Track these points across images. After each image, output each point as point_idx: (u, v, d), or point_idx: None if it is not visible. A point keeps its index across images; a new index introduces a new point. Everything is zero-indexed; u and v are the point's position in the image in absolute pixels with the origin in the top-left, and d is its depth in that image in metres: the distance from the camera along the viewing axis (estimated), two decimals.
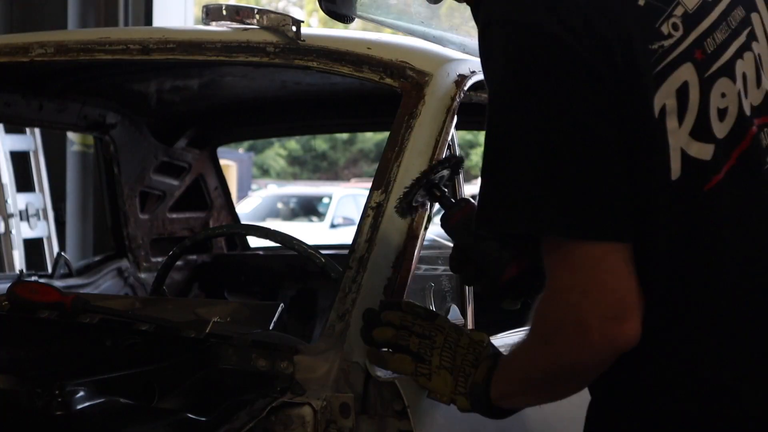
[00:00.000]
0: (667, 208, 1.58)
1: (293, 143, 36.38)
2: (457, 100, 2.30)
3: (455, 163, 2.11)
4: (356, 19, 2.24)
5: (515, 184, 1.57)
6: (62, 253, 3.72)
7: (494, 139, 1.61)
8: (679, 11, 1.63)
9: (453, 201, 2.06)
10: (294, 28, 2.38)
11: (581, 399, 2.52)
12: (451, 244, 2.38)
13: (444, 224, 2.03)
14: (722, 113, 1.62)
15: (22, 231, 6.94)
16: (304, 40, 2.38)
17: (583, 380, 1.69)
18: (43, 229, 7.12)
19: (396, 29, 2.31)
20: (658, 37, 1.60)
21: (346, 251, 2.26)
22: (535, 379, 1.72)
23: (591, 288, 1.54)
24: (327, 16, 2.20)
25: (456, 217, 2.01)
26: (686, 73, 1.60)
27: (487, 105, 1.62)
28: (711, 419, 1.61)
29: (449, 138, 2.26)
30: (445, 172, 2.09)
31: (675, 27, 1.62)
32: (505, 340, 2.11)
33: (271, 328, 2.24)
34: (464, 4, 1.80)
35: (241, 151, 28.50)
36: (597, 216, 1.54)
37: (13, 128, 6.91)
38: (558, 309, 1.57)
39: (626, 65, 1.56)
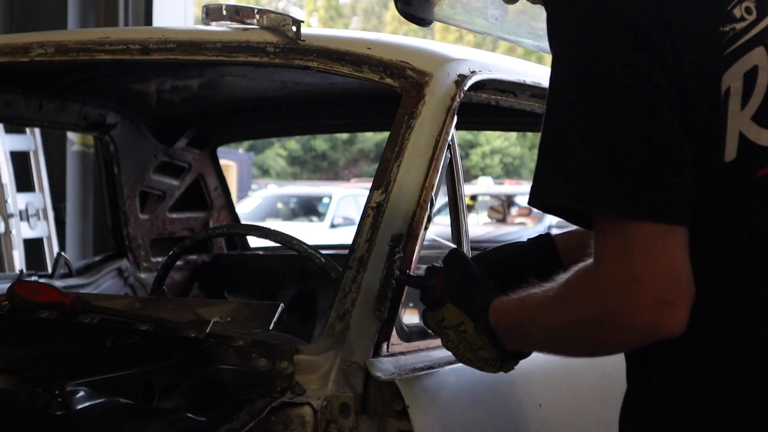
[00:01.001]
0: (716, 190, 1.56)
1: (293, 143, 36.41)
2: (457, 100, 2.30)
3: (399, 240, 2.11)
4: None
5: (576, 159, 1.54)
6: (62, 253, 3.72)
7: (555, 114, 1.59)
8: None
9: (421, 276, 2.02)
10: (294, 28, 2.38)
11: (586, 401, 2.53)
12: (452, 244, 2.39)
13: (428, 300, 1.98)
14: None
15: (22, 231, 6.94)
16: (304, 40, 2.38)
17: (610, 354, 1.69)
18: (43, 229, 7.12)
19: (472, 31, 2.30)
20: (730, 20, 1.60)
21: (346, 251, 2.27)
22: (559, 348, 1.74)
23: (644, 270, 1.51)
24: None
25: (439, 288, 1.96)
26: (757, 56, 1.59)
27: (549, 80, 1.61)
28: (758, 409, 1.58)
29: (449, 138, 2.27)
30: (400, 254, 2.10)
31: (748, 11, 1.61)
32: None
33: (271, 328, 2.24)
34: (539, 4, 1.80)
35: (241, 151, 28.52)
36: (656, 195, 1.52)
37: (13, 128, 6.91)
38: (607, 291, 1.53)
39: (691, 48, 1.55)
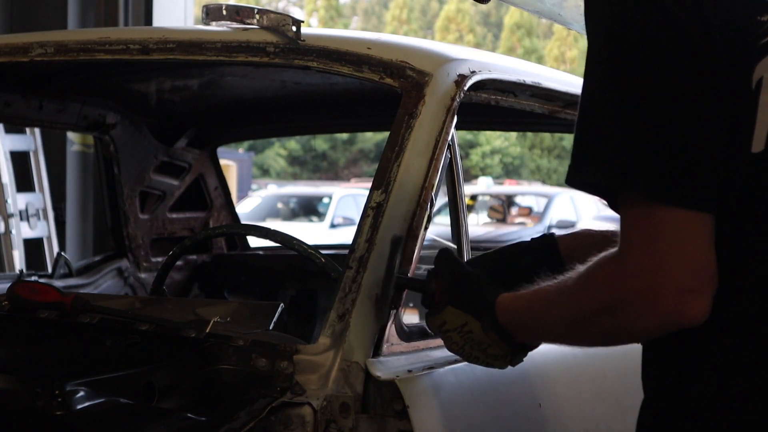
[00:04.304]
0: (741, 180, 1.55)
1: (293, 143, 36.44)
2: (457, 100, 2.30)
3: (399, 243, 2.11)
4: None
5: (609, 140, 1.54)
6: (62, 253, 3.72)
7: (590, 94, 1.58)
8: None
9: (421, 280, 2.01)
10: (294, 28, 2.39)
11: (586, 401, 2.53)
12: (452, 244, 2.39)
13: (429, 304, 1.97)
14: None
15: (22, 231, 6.94)
16: (304, 40, 2.38)
17: (627, 343, 1.67)
18: (43, 229, 7.12)
19: (527, 10, 2.30)
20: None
21: (346, 251, 2.27)
22: (576, 337, 1.73)
23: (670, 256, 1.50)
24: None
25: (438, 290, 1.95)
26: None
27: (586, 58, 1.61)
28: None
29: (449, 138, 2.27)
30: (398, 257, 2.09)
31: None
32: None
33: (271, 328, 2.24)
34: None
35: (241, 151, 28.54)
36: (686, 181, 1.51)
37: (13, 128, 6.92)
38: (630, 276, 1.52)
39: (724, 35, 1.54)
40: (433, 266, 2.00)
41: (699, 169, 1.52)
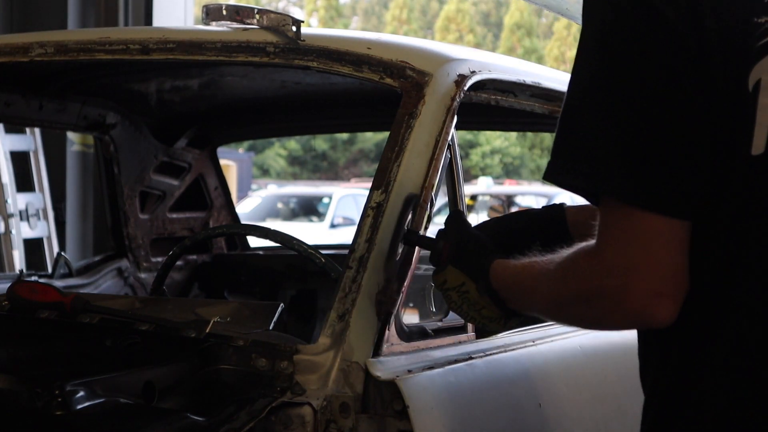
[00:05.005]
0: (740, 183, 1.54)
1: (293, 143, 36.45)
2: (457, 100, 2.30)
3: (411, 201, 2.14)
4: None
5: (590, 140, 1.55)
6: (62, 253, 3.72)
7: (575, 91, 1.59)
8: None
9: (432, 237, 2.05)
10: (294, 28, 2.39)
11: (585, 401, 2.53)
12: None
13: (436, 262, 2.01)
14: None
15: (22, 231, 6.94)
16: (304, 40, 2.38)
17: (604, 330, 1.72)
18: (43, 229, 7.12)
19: (537, 4, 2.30)
20: (766, 11, 1.57)
21: (346, 251, 2.27)
22: (556, 317, 1.80)
23: (642, 259, 1.52)
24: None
25: (446, 250, 1.99)
26: None
27: (576, 54, 1.62)
28: None
29: (449, 138, 2.27)
30: (410, 215, 2.12)
31: None
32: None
33: (271, 328, 2.24)
34: None
35: (241, 151, 28.54)
36: (664, 187, 1.53)
37: (13, 128, 6.91)
38: (603, 273, 1.56)
39: (720, 37, 1.54)
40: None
41: (679, 175, 1.53)
